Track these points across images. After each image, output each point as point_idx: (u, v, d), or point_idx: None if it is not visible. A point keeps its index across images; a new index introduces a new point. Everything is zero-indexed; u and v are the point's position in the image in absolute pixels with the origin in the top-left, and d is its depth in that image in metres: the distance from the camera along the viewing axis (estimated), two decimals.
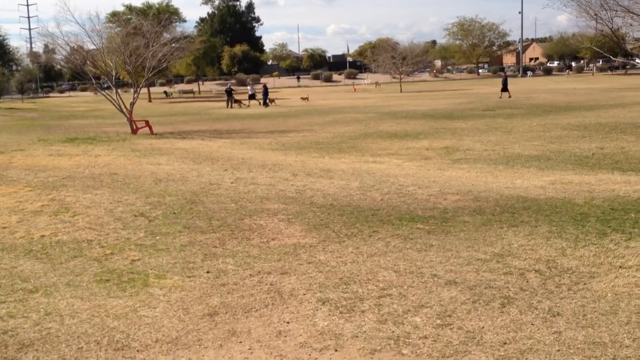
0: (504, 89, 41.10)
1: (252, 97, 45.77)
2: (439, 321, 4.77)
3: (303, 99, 46.08)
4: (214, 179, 12.04)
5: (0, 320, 4.99)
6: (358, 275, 5.86)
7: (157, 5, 65.26)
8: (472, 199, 9.42)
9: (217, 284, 5.73)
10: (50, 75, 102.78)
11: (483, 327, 4.63)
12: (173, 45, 30.56)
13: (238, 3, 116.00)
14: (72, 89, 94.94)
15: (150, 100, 57.96)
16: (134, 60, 26.53)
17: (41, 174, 12.96)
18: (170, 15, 53.78)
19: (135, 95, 26.51)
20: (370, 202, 9.43)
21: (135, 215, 8.73)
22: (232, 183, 11.49)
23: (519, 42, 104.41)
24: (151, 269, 6.24)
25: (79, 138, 21.66)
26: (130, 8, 64.32)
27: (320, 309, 5.08)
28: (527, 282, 5.57)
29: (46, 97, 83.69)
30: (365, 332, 4.64)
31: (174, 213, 8.83)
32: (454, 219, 8.06)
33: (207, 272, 6.11)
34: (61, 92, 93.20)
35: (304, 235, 7.48)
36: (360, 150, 16.73)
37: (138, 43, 26.56)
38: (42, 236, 7.67)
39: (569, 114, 25.81)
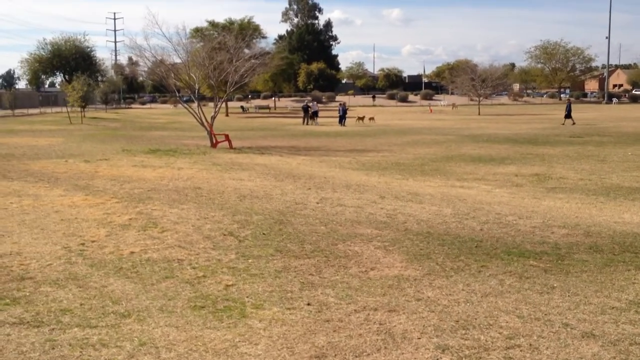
0: (568, 115, 39.77)
1: (315, 114, 45.46)
2: None
3: (370, 119, 45.40)
4: (298, 197, 11.66)
5: (92, 348, 4.64)
6: (476, 319, 5.24)
7: (239, 22, 66.41)
8: (583, 234, 8.63)
9: (321, 320, 5.23)
10: (133, 86, 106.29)
11: None
12: (255, 61, 30.64)
13: (317, 22, 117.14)
14: (153, 100, 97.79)
15: (227, 115, 58.78)
16: (217, 75, 26.70)
17: (127, 185, 12.91)
18: (252, 31, 54.48)
19: (217, 109, 26.66)
20: (469, 231, 8.78)
21: (224, 234, 8.38)
22: (317, 203, 11.06)
23: (604, 67, 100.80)
24: (247, 297, 5.81)
25: (161, 150, 21.84)
26: (213, 24, 65.65)
27: (441, 358, 4.48)
28: None
29: (128, 108, 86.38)
30: None
31: (264, 234, 8.44)
32: (569, 256, 7.31)
33: (308, 304, 5.62)
34: (142, 103, 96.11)
35: (405, 266, 6.91)
36: (444, 174, 16.06)
37: (222, 58, 26.71)
38: (132, 253, 7.40)
39: None
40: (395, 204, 11.03)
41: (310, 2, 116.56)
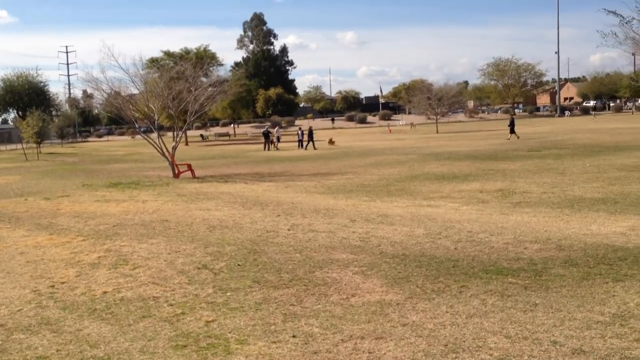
0: (512, 130, 40.98)
1: (278, 139, 45.74)
2: None
3: (331, 142, 45.48)
4: (269, 225, 11.54)
5: None
6: (464, 341, 5.20)
7: (195, 51, 66.22)
8: (555, 248, 8.72)
9: (309, 352, 5.12)
10: (88, 120, 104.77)
11: None
12: (214, 89, 30.51)
13: (272, 47, 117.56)
14: (110, 133, 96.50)
15: (187, 144, 58.27)
16: (176, 104, 26.49)
17: (91, 222, 12.60)
18: (209, 59, 54.39)
19: (178, 139, 26.39)
20: (444, 251, 8.79)
21: (199, 268, 8.21)
22: (289, 230, 10.97)
23: (554, 82, 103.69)
24: (230, 332, 5.66)
25: (123, 183, 21.47)
26: (168, 54, 65.31)
27: None
28: None
29: (84, 141, 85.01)
30: None
31: (239, 265, 8.30)
32: (546, 272, 7.36)
33: (293, 336, 5.50)
34: (99, 136, 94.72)
35: (385, 290, 6.85)
36: (410, 194, 16.12)
37: (181, 87, 26.53)
38: (105, 292, 7.16)
39: (620, 154, 24.93)
40: (366, 227, 11.00)
41: (264, 28, 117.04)
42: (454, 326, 5.59)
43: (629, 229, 10.02)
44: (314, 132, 44.23)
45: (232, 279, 7.60)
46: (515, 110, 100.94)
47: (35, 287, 7.53)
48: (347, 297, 6.67)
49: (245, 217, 12.72)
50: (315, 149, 40.84)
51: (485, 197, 14.90)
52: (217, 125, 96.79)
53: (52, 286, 7.57)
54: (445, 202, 14.44)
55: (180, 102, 26.62)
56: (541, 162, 23.06)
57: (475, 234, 9.96)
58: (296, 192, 17.45)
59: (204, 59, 50.36)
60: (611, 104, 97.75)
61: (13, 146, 59.67)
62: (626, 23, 24.69)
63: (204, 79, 36.86)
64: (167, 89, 26.37)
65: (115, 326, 5.97)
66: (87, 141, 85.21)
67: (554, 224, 10.82)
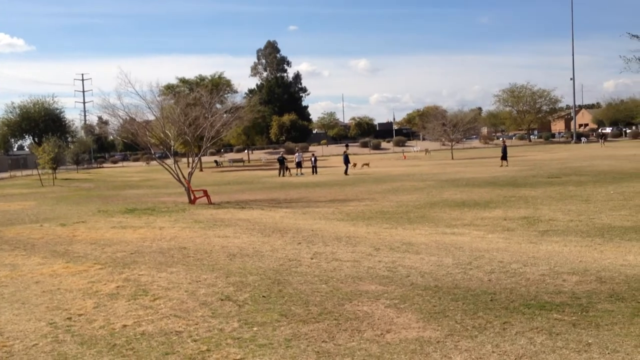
0: (504, 157, 41.41)
1: (299, 165, 45.79)
2: None
3: (365, 164, 47.06)
4: (290, 254, 11.17)
5: None
6: None
7: (209, 78, 66.57)
8: (596, 280, 8.27)
9: None
10: (103, 146, 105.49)
11: None
12: (230, 115, 30.40)
13: (286, 74, 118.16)
14: (125, 159, 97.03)
15: (201, 170, 58.24)
16: (192, 130, 26.35)
17: (108, 249, 12.28)
18: (224, 86, 54.60)
19: (194, 165, 26.20)
20: (477, 283, 8.36)
21: (222, 299, 7.82)
22: (312, 259, 10.59)
23: (569, 108, 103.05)
24: None
25: (138, 209, 21.20)
26: (183, 81, 65.74)
27: None
28: None
29: (100, 167, 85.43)
30: None
31: (264, 296, 7.91)
32: (593, 307, 6.91)
33: None
34: (114, 162, 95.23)
35: (422, 326, 6.42)
36: (432, 221, 15.70)
37: (197, 113, 26.43)
38: (124, 326, 6.78)
39: None
40: (392, 256, 10.60)
41: (278, 56, 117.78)
42: None
43: None
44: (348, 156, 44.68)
45: (257, 311, 7.20)
46: (531, 136, 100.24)
47: (52, 320, 7.16)
48: (382, 334, 6.25)
49: (265, 244, 12.36)
50: (347, 174, 40.53)
51: (510, 224, 14.47)
52: (231, 151, 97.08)
53: (69, 318, 7.20)
54: (469, 229, 14.02)
55: (197, 129, 26.48)
56: (563, 188, 22.57)
57: (508, 264, 9.52)
58: (315, 219, 17.09)
59: (219, 85, 50.49)
60: (627, 131, 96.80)
61: (29, 172, 59.90)
62: None
63: (219, 106, 36.83)
64: (183, 115, 26.28)
65: None
66: (102, 167, 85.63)
67: (589, 254, 10.36)
